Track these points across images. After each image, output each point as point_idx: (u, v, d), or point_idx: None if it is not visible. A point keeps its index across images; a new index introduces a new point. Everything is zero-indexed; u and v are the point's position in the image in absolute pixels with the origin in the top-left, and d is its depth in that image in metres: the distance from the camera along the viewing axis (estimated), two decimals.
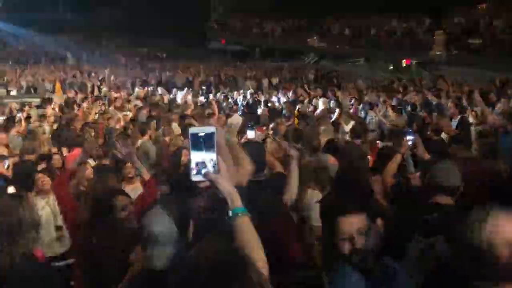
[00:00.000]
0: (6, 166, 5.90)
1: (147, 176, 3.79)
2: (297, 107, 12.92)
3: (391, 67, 26.96)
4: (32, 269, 1.63)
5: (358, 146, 5.97)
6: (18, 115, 11.10)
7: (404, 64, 25.90)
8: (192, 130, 1.69)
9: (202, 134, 1.66)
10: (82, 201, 3.34)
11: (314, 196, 3.89)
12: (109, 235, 2.74)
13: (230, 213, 1.66)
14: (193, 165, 1.67)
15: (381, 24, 26.23)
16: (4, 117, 11.07)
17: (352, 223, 1.94)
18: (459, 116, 9.28)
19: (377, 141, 8.60)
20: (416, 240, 2.38)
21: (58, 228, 4.70)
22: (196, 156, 1.66)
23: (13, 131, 8.95)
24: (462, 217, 2.52)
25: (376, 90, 17.42)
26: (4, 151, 7.43)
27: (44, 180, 4.69)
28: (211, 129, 1.69)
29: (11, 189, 5.16)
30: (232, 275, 1.22)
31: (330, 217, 2.04)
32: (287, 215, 3.15)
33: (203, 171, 1.66)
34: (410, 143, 4.45)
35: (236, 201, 1.67)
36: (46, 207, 4.63)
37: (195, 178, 1.68)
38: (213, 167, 1.66)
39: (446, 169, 2.80)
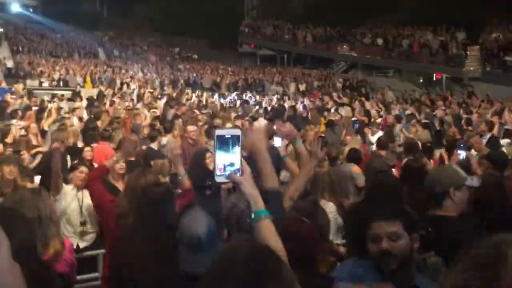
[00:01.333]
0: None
1: (187, 184, 3.72)
2: (325, 114, 12.87)
3: (421, 80, 26.58)
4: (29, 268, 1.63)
5: (381, 157, 5.91)
6: (49, 106, 11.34)
7: (434, 78, 25.50)
8: (218, 132, 1.71)
9: (228, 136, 1.69)
10: (122, 194, 3.34)
11: (327, 207, 3.82)
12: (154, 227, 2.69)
13: (253, 215, 1.67)
14: (217, 166, 1.69)
15: (415, 36, 25.87)
16: (36, 108, 11.33)
17: (383, 226, 2.02)
18: (489, 134, 9.07)
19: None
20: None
21: (82, 224, 4.75)
22: (221, 158, 1.68)
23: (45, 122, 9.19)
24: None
25: (404, 102, 17.21)
26: (35, 141, 7.64)
27: (82, 173, 4.69)
28: (237, 131, 1.71)
29: (37, 178, 5.28)
30: (267, 273, 1.20)
31: (362, 221, 2.12)
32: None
33: (227, 173, 1.68)
34: (461, 157, 4.40)
35: (259, 203, 1.68)
36: (74, 200, 4.69)
37: (219, 179, 1.69)
38: (238, 169, 1.68)
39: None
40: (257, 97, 19.37)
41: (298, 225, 2.24)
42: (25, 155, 6.12)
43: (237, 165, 1.68)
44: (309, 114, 13.32)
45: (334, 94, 19.77)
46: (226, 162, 1.68)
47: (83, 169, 4.77)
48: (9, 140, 7.41)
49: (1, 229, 0.90)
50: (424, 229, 2.51)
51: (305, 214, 2.37)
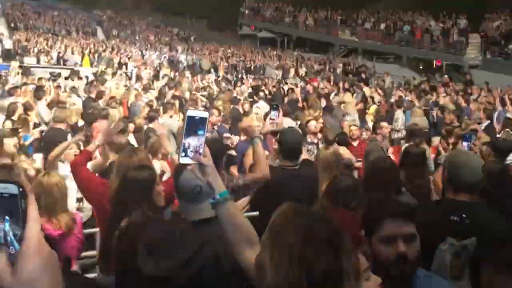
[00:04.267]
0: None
1: (176, 162, 3.74)
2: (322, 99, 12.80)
3: (421, 67, 26.48)
4: None
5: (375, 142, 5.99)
6: (48, 84, 11.27)
7: (434, 65, 25.42)
8: (189, 112, 1.69)
9: (198, 117, 1.67)
10: (113, 174, 3.32)
11: None
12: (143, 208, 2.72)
13: (218, 196, 1.69)
14: (183, 147, 1.67)
15: (416, 22, 25.70)
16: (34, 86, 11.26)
17: (399, 227, 1.81)
18: (486, 122, 9.07)
19: (401, 141, 8.46)
20: (448, 244, 2.29)
21: (78, 200, 4.79)
22: (188, 139, 1.67)
23: (43, 101, 9.14)
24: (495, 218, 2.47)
25: (404, 89, 17.17)
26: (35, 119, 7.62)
27: (72, 149, 4.76)
28: (205, 114, 1.70)
29: (38, 156, 5.28)
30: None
31: (373, 217, 1.90)
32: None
33: (190, 154, 1.66)
34: (465, 148, 4.39)
35: (221, 185, 1.71)
36: (70, 176, 4.70)
37: (184, 160, 1.67)
38: (201, 151, 1.67)
39: (466, 165, 2.61)
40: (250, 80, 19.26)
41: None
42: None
43: (201, 147, 1.67)
44: (308, 99, 13.25)
45: (333, 79, 19.69)
46: (192, 143, 1.67)
47: (72, 145, 4.80)
48: (15, 117, 7.39)
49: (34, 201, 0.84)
50: (456, 215, 2.42)
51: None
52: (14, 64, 15.76)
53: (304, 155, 3.91)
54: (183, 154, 1.67)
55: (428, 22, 25.14)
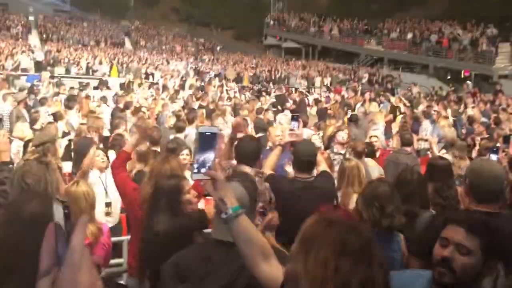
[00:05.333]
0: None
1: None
2: (345, 109, 12.74)
3: (449, 77, 26.08)
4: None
5: (409, 154, 5.89)
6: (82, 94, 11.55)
7: (463, 75, 24.99)
8: (201, 129, 1.71)
9: (209, 133, 1.70)
10: (145, 181, 3.40)
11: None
12: (170, 216, 2.79)
13: (230, 211, 1.69)
14: (196, 163, 1.69)
15: (444, 31, 25.36)
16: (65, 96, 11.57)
17: (457, 233, 1.83)
18: None
19: (428, 151, 8.34)
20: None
21: (107, 205, 4.89)
22: (201, 155, 1.68)
23: (74, 110, 9.39)
24: None
25: (431, 99, 16.93)
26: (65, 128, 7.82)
27: (99, 156, 4.88)
28: (215, 129, 1.73)
29: (67, 164, 5.40)
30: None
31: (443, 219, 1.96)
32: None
33: (203, 170, 1.68)
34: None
35: (233, 199, 1.71)
36: (99, 183, 4.82)
37: (196, 176, 1.69)
38: (211, 166, 1.69)
39: (488, 174, 2.55)
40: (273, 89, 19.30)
41: (338, 213, 2.23)
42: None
43: (212, 163, 1.69)
44: (332, 108, 13.21)
45: (359, 89, 19.56)
46: (204, 159, 1.68)
47: (98, 152, 4.93)
48: (37, 126, 7.60)
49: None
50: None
51: None
52: (45, 74, 16.21)
53: (323, 167, 3.90)
54: (196, 170, 1.68)
55: (456, 31, 24.77)
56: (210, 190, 1.69)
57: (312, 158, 3.72)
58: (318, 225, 1.29)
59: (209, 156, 1.69)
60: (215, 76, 23.90)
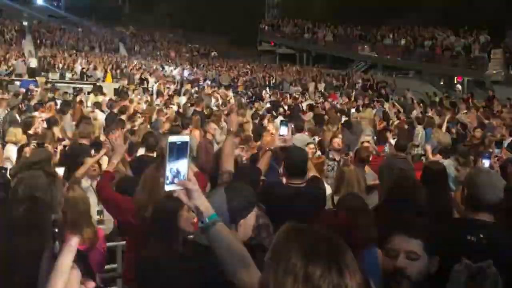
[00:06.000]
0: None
1: (194, 169, 3.82)
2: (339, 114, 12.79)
3: (442, 83, 26.24)
4: None
5: (404, 159, 5.90)
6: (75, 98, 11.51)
7: (456, 81, 25.17)
8: (171, 139, 1.66)
9: (179, 142, 1.65)
10: (139, 188, 3.39)
11: None
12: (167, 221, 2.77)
13: (207, 220, 1.67)
14: (167, 174, 1.64)
15: (437, 37, 25.54)
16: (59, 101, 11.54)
17: (403, 242, 1.88)
18: (510, 139, 8.93)
19: (422, 157, 8.38)
20: (463, 265, 2.23)
21: (99, 212, 4.86)
22: (172, 165, 1.64)
23: (68, 115, 9.37)
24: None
25: (424, 105, 17.03)
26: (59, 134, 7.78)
27: (93, 165, 4.86)
28: (186, 138, 1.69)
29: (60, 170, 5.37)
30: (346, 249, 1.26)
31: (384, 229, 1.99)
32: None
33: (176, 180, 1.64)
34: (486, 166, 4.32)
35: (209, 208, 1.70)
36: (90, 190, 4.79)
37: (169, 187, 1.65)
38: (184, 175, 1.65)
39: (487, 184, 2.55)
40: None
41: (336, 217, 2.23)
42: (50, 148, 6.24)
43: (185, 172, 1.65)
44: (328, 114, 13.23)
45: (353, 95, 19.65)
46: (176, 169, 1.64)
47: (89, 160, 4.88)
48: (31, 131, 7.56)
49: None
50: (474, 235, 2.37)
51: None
52: (41, 80, 16.18)
53: (313, 172, 3.91)
54: (167, 181, 1.64)
55: (449, 38, 24.96)
56: (185, 200, 1.66)
57: (304, 164, 3.73)
58: (288, 234, 1.28)
59: (182, 165, 1.64)
60: (210, 81, 23.94)
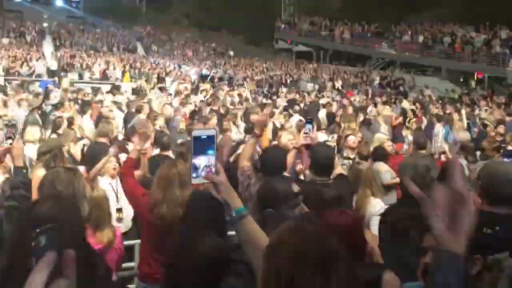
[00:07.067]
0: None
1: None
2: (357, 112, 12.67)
3: (462, 79, 25.85)
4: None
5: (427, 157, 5.83)
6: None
7: (476, 78, 24.76)
8: (195, 133, 1.69)
9: (204, 136, 1.67)
10: (154, 186, 3.41)
11: (377, 205, 3.86)
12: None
13: (234, 213, 1.69)
14: (194, 167, 1.67)
15: (457, 33, 25.15)
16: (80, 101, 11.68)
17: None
18: None
19: (442, 155, 8.27)
20: (478, 258, 2.18)
21: (118, 210, 4.91)
22: (198, 159, 1.66)
23: (87, 115, 9.49)
24: None
25: (443, 102, 16.80)
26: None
27: (111, 162, 4.91)
28: (212, 131, 1.71)
29: (81, 169, 5.44)
30: (335, 254, 1.21)
31: (412, 228, 1.93)
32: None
33: (203, 173, 1.66)
34: None
35: (237, 201, 1.71)
36: (109, 189, 4.84)
37: (195, 181, 1.68)
38: (212, 169, 1.67)
39: (503, 176, 2.51)
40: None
41: (343, 218, 2.20)
42: (72, 146, 6.36)
43: (213, 166, 1.67)
44: (342, 112, 13.12)
45: (371, 92, 19.49)
46: (202, 163, 1.66)
47: (111, 158, 4.93)
48: (60, 131, 7.68)
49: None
50: (490, 227, 2.29)
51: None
52: (63, 80, 16.41)
53: (339, 170, 3.90)
54: (194, 174, 1.67)
55: (469, 34, 24.55)
56: (214, 193, 1.69)
57: (331, 161, 3.71)
58: (282, 234, 1.26)
59: (209, 158, 1.67)
60: (226, 80, 23.96)
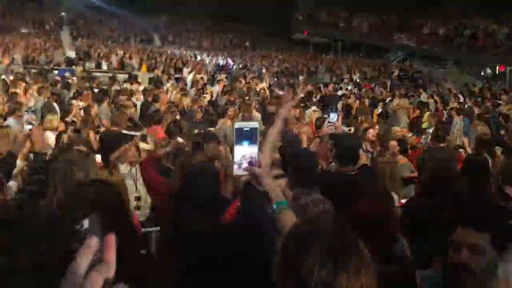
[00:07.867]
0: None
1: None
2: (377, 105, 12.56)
3: (483, 73, 25.35)
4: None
5: (446, 150, 5.75)
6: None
7: (497, 71, 24.26)
8: (237, 125, 1.72)
9: (247, 129, 1.69)
10: (175, 178, 3.41)
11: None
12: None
13: (274, 206, 1.68)
14: (236, 159, 1.70)
15: (478, 26, 24.63)
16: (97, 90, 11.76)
17: (467, 235, 1.74)
18: None
19: (460, 149, 8.13)
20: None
21: (137, 199, 4.94)
22: (240, 151, 1.69)
23: (105, 104, 9.56)
24: None
25: (463, 95, 16.52)
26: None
27: (131, 152, 4.93)
28: (255, 124, 1.73)
29: (97, 157, 5.49)
30: (352, 245, 1.18)
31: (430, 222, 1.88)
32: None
33: (244, 165, 1.69)
34: None
35: (279, 195, 1.70)
36: (129, 176, 4.88)
37: (237, 172, 1.71)
38: (256, 162, 1.69)
39: None
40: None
41: (374, 206, 2.13)
42: (91, 134, 6.42)
43: (255, 158, 1.69)
44: (359, 105, 13.00)
45: (389, 84, 19.25)
46: (245, 155, 1.69)
47: (128, 146, 4.92)
48: (69, 119, 7.75)
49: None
50: None
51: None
52: (77, 69, 16.54)
53: (363, 160, 3.83)
54: (236, 166, 1.70)
55: (490, 26, 24.03)
56: (256, 185, 1.70)
57: (357, 151, 3.64)
58: (297, 225, 1.27)
59: (252, 150, 1.70)
60: (242, 71, 23.89)
